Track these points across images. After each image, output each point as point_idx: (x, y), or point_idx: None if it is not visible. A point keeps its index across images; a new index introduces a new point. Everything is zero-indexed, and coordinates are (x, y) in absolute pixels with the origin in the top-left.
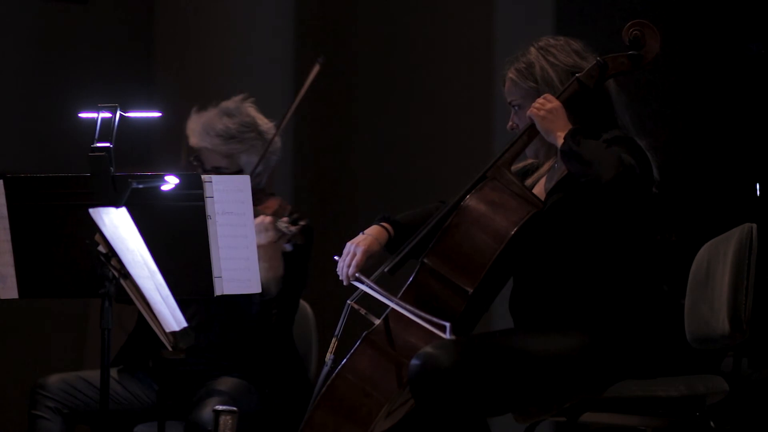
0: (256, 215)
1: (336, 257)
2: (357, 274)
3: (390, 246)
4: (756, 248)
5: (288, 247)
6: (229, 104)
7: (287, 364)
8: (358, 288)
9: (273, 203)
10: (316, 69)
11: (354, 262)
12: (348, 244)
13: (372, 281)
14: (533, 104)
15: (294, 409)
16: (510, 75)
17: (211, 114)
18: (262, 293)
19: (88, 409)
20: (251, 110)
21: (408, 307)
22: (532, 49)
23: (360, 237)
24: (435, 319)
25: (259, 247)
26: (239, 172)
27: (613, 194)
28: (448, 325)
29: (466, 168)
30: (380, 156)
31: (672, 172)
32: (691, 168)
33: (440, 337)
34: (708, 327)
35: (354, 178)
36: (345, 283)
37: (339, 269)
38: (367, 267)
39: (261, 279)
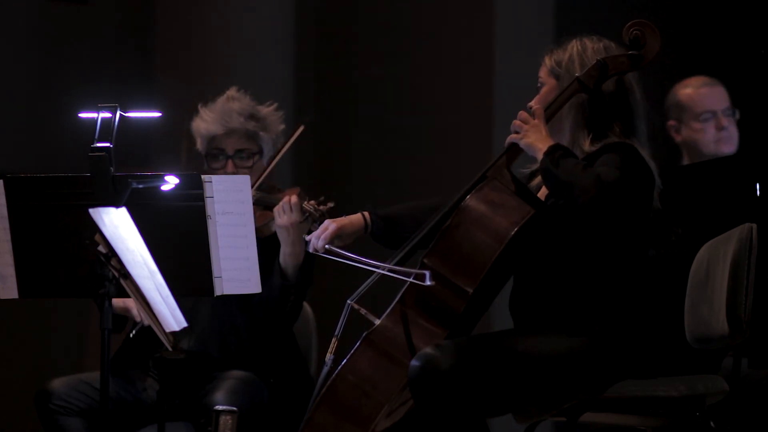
0: (277, 202)
1: (305, 236)
2: (327, 246)
3: (373, 234)
4: (756, 248)
5: None
6: (228, 93)
7: (290, 357)
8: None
9: (293, 191)
10: (300, 129)
11: (324, 235)
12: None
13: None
14: (513, 125)
15: (296, 402)
16: (546, 57)
17: (221, 102)
18: (284, 277)
19: (92, 411)
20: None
21: (381, 264)
22: (574, 40)
23: (339, 218)
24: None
25: (282, 228)
26: (260, 152)
27: (590, 215)
28: (427, 273)
29: (466, 168)
30: (380, 156)
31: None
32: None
33: (439, 337)
34: (708, 327)
35: (354, 179)
36: (311, 251)
37: (311, 240)
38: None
39: (282, 263)
